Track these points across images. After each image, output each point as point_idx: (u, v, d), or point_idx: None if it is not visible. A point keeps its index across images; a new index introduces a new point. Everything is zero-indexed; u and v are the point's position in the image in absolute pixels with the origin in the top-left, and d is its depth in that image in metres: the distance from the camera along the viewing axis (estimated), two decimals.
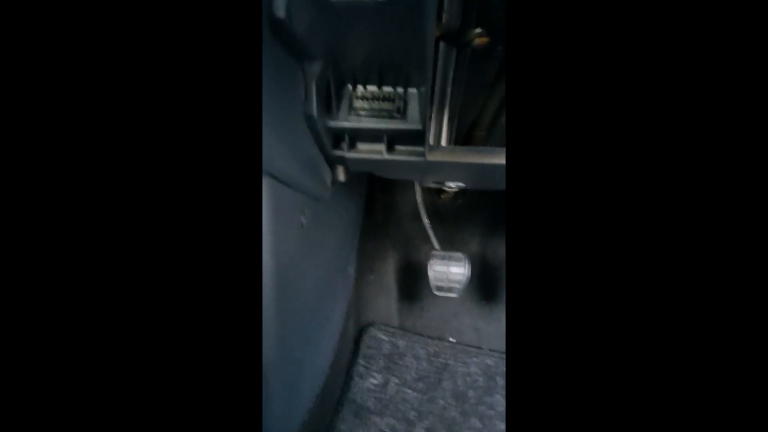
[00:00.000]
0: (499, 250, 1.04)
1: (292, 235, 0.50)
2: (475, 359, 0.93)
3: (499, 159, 0.51)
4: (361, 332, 0.98)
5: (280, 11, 0.32)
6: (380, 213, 1.10)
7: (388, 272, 1.04)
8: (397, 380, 0.92)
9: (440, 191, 1.05)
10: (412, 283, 1.04)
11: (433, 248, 0.91)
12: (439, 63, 0.52)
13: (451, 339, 0.98)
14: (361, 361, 0.94)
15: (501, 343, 0.96)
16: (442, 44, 0.50)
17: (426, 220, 0.91)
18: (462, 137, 0.84)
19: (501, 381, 0.90)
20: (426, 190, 0.99)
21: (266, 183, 0.41)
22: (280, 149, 0.40)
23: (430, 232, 0.91)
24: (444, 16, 0.46)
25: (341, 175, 0.61)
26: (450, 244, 1.07)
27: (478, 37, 0.44)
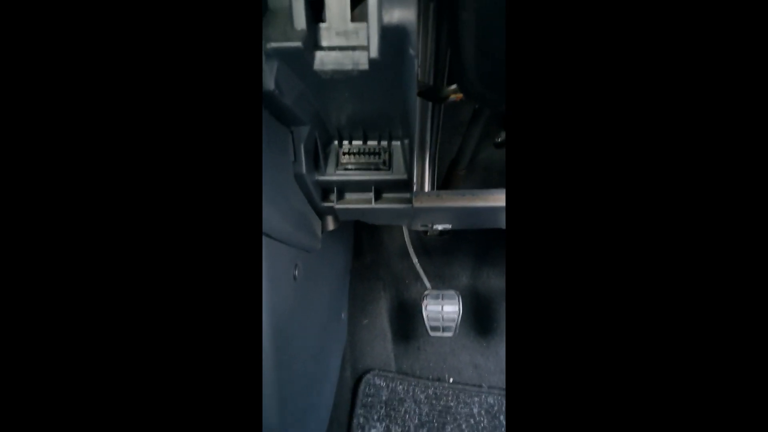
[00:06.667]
0: (489, 282, 1.05)
1: (287, 291, 0.50)
2: (476, 399, 0.91)
3: (484, 201, 0.53)
4: (358, 380, 0.95)
5: (270, 84, 0.34)
6: (368, 254, 1.10)
7: (382, 314, 1.03)
8: (399, 428, 0.89)
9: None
10: (407, 323, 1.03)
11: (424, 286, 0.92)
12: (418, 115, 0.55)
13: (450, 379, 0.96)
14: (360, 410, 0.91)
15: (501, 379, 0.95)
16: (419, 98, 0.53)
17: (415, 260, 0.91)
18: (443, 177, 0.87)
19: (504, 419, 0.89)
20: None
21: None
22: (273, 209, 0.41)
23: (421, 272, 0.92)
24: (419, 75, 0.49)
25: (331, 225, 0.62)
26: (440, 279, 1.08)
27: (454, 93, 0.47)
